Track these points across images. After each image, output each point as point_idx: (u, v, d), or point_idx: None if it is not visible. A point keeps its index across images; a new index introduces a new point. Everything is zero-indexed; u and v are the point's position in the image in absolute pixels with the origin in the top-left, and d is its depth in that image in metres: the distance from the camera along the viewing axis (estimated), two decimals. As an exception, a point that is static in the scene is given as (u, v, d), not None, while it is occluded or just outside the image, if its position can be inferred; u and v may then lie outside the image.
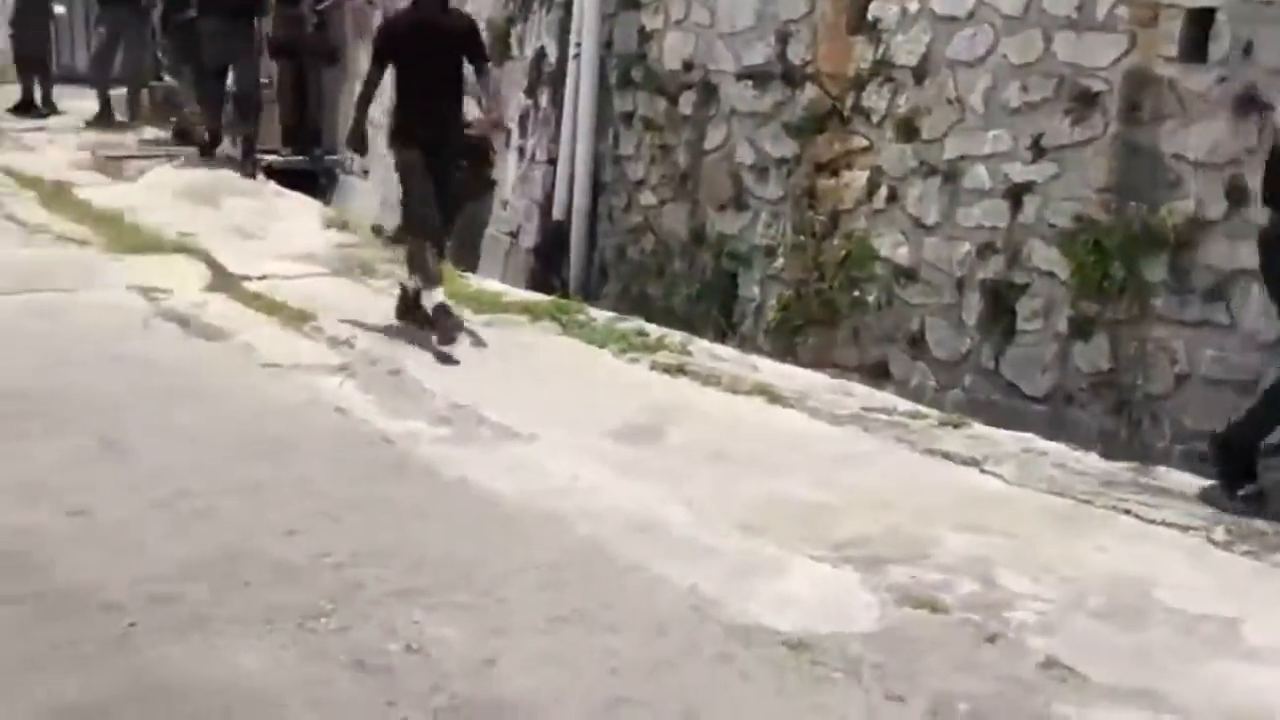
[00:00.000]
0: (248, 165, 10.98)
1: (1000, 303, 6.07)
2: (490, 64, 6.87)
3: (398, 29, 6.55)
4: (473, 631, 3.65)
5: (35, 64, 13.88)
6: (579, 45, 8.26)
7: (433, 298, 6.46)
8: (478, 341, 6.55)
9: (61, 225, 9.11)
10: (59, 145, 12.51)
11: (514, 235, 8.82)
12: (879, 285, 6.58)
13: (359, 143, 6.71)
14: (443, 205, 6.55)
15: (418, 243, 6.55)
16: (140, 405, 5.55)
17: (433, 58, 6.40)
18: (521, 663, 3.50)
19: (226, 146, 11.35)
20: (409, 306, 6.69)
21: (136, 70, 13.17)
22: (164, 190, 10.52)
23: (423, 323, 6.52)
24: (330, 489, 4.65)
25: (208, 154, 11.22)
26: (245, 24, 10.84)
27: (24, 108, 13.85)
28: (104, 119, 12.98)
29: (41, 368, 6.03)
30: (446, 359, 6.27)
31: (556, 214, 8.48)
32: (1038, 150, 5.90)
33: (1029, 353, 5.95)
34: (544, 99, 8.66)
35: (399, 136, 6.53)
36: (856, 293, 6.66)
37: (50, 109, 13.88)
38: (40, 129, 13.27)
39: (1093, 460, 5.08)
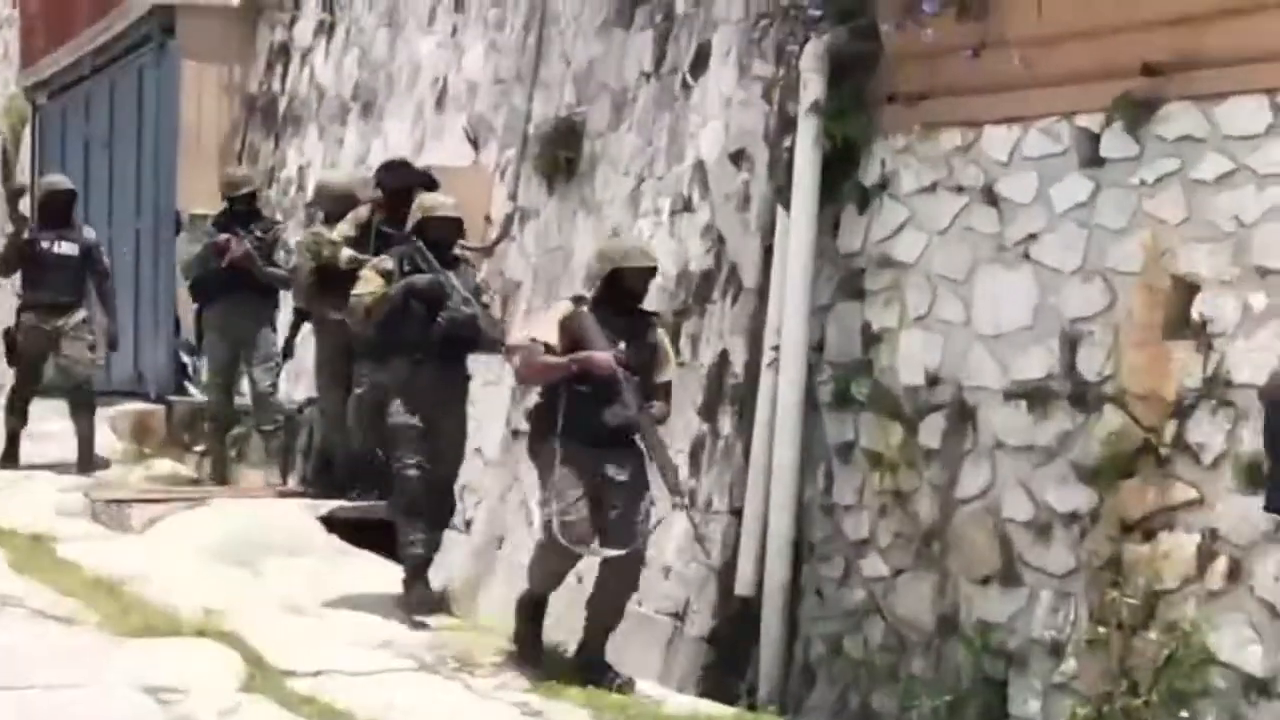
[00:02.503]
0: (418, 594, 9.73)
1: (1402, 733, 6.11)
2: None
3: None
4: None
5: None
6: (776, 349, 8.68)
7: None
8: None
9: (40, 596, 9.60)
10: (39, 480, 13.27)
11: (679, 617, 9.06)
12: (1219, 703, 6.65)
13: None
14: None
15: None
16: None
17: None
18: None
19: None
20: None
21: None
22: (183, 547, 11.04)
23: None
24: None
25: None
26: (459, 370, 9.89)
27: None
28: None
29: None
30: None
31: (740, 588, 8.73)
32: None
33: None
34: (726, 423, 9.04)
35: None
36: (1184, 714, 6.72)
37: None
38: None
39: None
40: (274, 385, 13.28)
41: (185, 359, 15.02)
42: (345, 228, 11.26)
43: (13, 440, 14.23)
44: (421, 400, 9.43)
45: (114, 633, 8.85)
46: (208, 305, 13.28)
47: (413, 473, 9.41)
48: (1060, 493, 7.39)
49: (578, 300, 8.36)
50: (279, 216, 14.70)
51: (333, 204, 12.08)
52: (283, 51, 16.96)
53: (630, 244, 8.74)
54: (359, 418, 10.80)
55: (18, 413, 14.19)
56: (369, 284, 9.50)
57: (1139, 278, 7.16)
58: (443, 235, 9.64)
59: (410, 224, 9.74)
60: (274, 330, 13.25)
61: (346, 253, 11.04)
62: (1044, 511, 7.45)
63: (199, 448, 14.39)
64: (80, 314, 14.02)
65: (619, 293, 8.16)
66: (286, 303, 13.00)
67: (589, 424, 7.98)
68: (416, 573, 9.54)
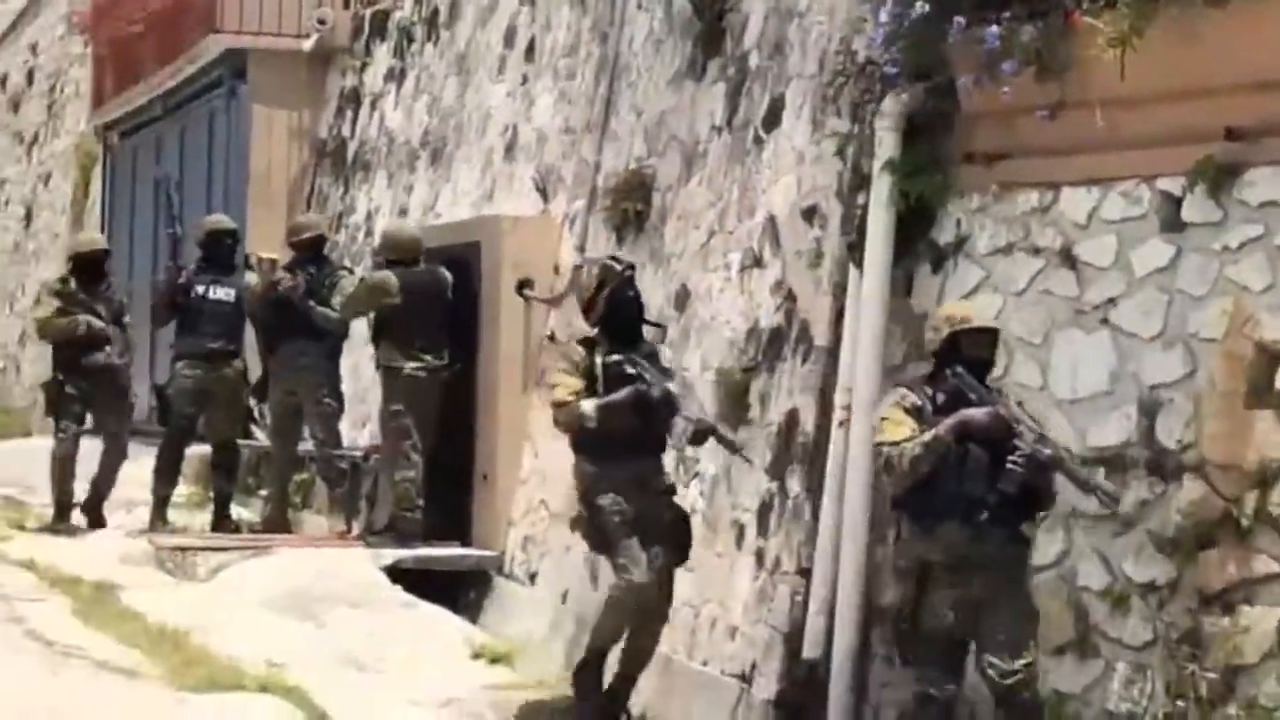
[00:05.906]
0: None
1: None
2: None
3: None
4: None
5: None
6: (847, 409, 8.60)
7: None
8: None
9: (103, 647, 9.61)
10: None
11: (744, 679, 8.98)
12: (1301, 785, 6.54)
13: None
14: None
15: None
16: None
17: None
18: None
19: None
20: None
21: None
22: (247, 597, 11.05)
23: None
24: None
25: None
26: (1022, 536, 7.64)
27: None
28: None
29: None
30: None
31: (809, 651, 8.65)
32: None
33: None
34: (795, 483, 8.97)
35: None
36: (1267, 796, 6.62)
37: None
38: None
39: None
40: (330, 432, 13.26)
41: (250, 403, 15.02)
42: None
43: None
44: (970, 581, 7.43)
45: (177, 686, 8.87)
46: (269, 349, 13.34)
47: (944, 696, 7.46)
48: (1138, 564, 7.28)
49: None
50: (347, 262, 14.70)
51: (398, 253, 12.14)
52: (353, 97, 17.04)
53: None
54: None
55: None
56: (900, 427, 7.46)
57: (1221, 345, 7.06)
58: (980, 353, 7.63)
59: (933, 343, 7.68)
60: (334, 376, 13.25)
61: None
62: (1121, 582, 7.34)
63: (263, 492, 14.41)
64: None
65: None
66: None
67: None
68: None
